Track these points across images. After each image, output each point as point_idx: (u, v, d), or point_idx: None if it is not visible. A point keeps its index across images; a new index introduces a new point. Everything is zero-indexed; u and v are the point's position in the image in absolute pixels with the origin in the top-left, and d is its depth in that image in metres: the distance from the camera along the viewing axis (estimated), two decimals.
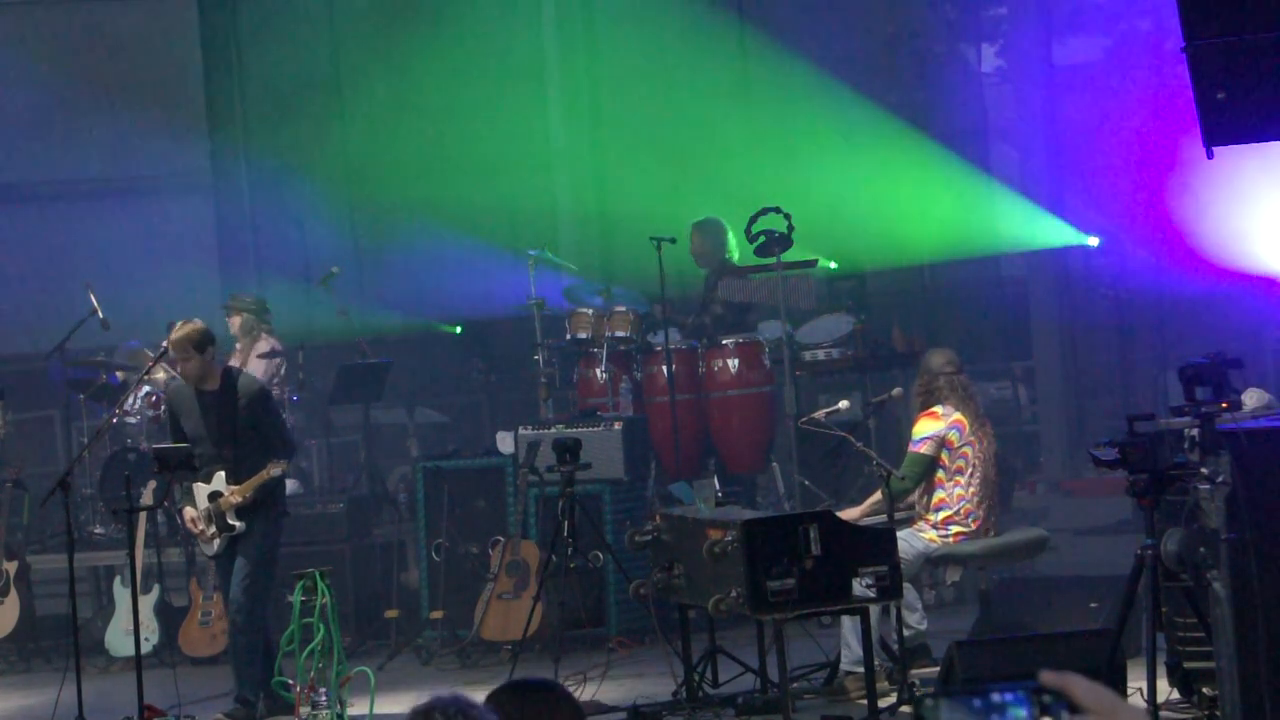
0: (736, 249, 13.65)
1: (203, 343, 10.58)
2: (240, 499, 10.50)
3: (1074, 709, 2.48)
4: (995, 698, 2.47)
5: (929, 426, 10.42)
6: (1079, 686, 2.48)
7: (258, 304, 13.96)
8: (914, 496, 10.46)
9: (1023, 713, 2.48)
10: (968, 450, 10.35)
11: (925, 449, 10.37)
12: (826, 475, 12.55)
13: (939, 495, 10.36)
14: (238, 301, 13.98)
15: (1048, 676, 2.48)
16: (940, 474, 10.37)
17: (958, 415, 10.40)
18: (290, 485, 12.14)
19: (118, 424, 13.42)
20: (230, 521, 10.55)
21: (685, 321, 13.74)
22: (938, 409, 10.44)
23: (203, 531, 10.66)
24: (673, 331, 13.30)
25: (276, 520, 10.75)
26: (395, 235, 16.76)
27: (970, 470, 10.35)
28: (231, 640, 10.80)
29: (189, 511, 10.69)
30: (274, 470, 10.50)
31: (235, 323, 13.91)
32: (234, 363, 13.75)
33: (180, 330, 10.61)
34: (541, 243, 13.73)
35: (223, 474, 10.58)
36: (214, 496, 10.59)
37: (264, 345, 13.76)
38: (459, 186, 16.52)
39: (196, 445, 10.59)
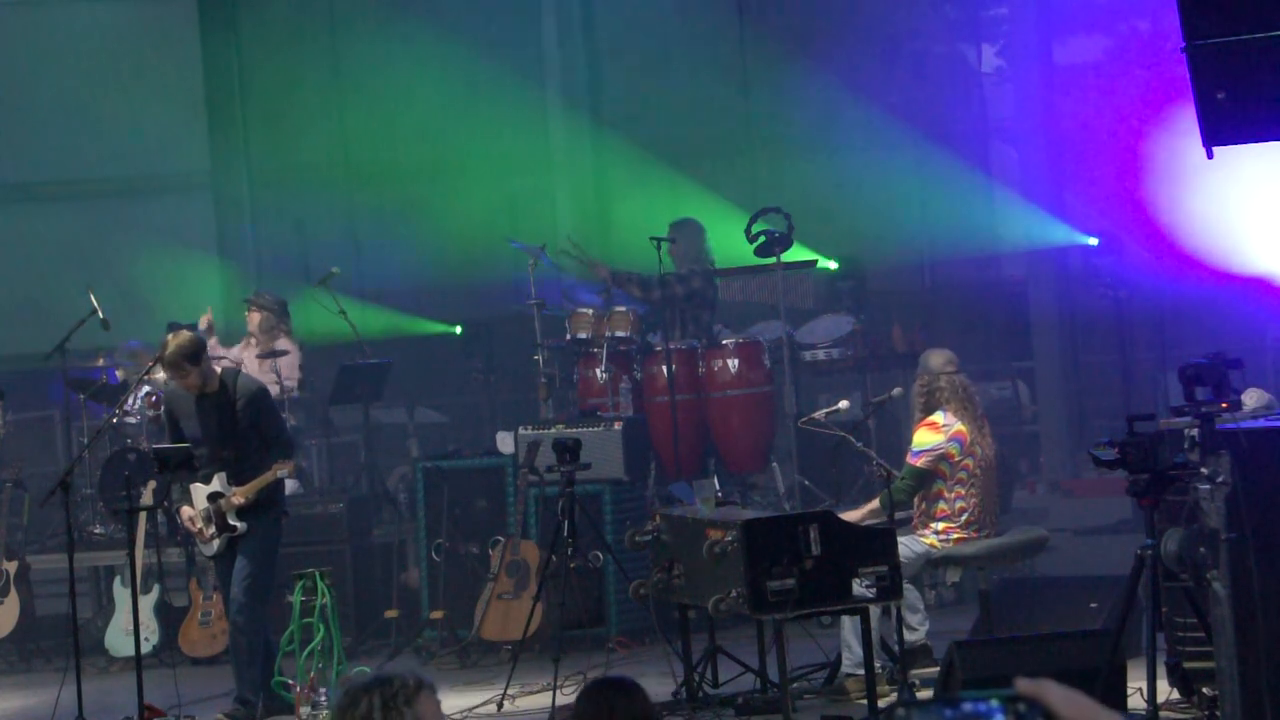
0: (715, 250, 13.63)
1: (196, 353, 10.50)
2: (243, 500, 10.48)
3: (1050, 717, 2.43)
4: (968, 706, 2.42)
5: (928, 439, 10.31)
6: (1055, 694, 2.44)
7: (279, 304, 13.95)
8: (914, 503, 10.41)
9: None
10: (969, 462, 10.27)
11: (922, 463, 10.27)
12: (826, 475, 12.55)
13: (940, 506, 10.29)
14: (260, 299, 13.95)
15: (1023, 685, 2.44)
16: (940, 485, 10.29)
17: (958, 426, 10.30)
18: (290, 485, 12.13)
19: (118, 424, 13.42)
20: (231, 522, 10.53)
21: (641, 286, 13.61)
22: (938, 418, 10.33)
23: (201, 531, 10.64)
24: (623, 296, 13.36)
25: (276, 520, 10.74)
26: (395, 235, 16.75)
27: (972, 481, 10.29)
28: (232, 640, 10.76)
29: (186, 510, 10.66)
30: (279, 471, 10.48)
31: (255, 319, 13.89)
32: (245, 355, 13.77)
33: (171, 348, 10.45)
34: (541, 242, 13.73)
35: (224, 475, 10.56)
36: (214, 497, 10.56)
37: (284, 344, 13.75)
38: (459, 186, 16.52)
39: (196, 447, 10.56)
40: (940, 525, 10.28)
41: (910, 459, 10.32)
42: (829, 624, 10.82)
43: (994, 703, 2.42)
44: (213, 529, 10.58)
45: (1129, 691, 8.56)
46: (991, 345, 16.40)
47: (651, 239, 12.94)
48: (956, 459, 10.25)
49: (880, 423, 13.16)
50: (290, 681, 10.31)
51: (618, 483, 12.37)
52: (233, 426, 10.54)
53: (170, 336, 10.68)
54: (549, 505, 11.74)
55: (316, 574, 10.19)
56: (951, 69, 16.96)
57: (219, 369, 10.78)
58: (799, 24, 16.69)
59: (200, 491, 10.61)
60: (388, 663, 12.06)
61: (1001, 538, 10.47)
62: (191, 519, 10.64)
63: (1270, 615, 7.39)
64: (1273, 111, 7.56)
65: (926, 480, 10.27)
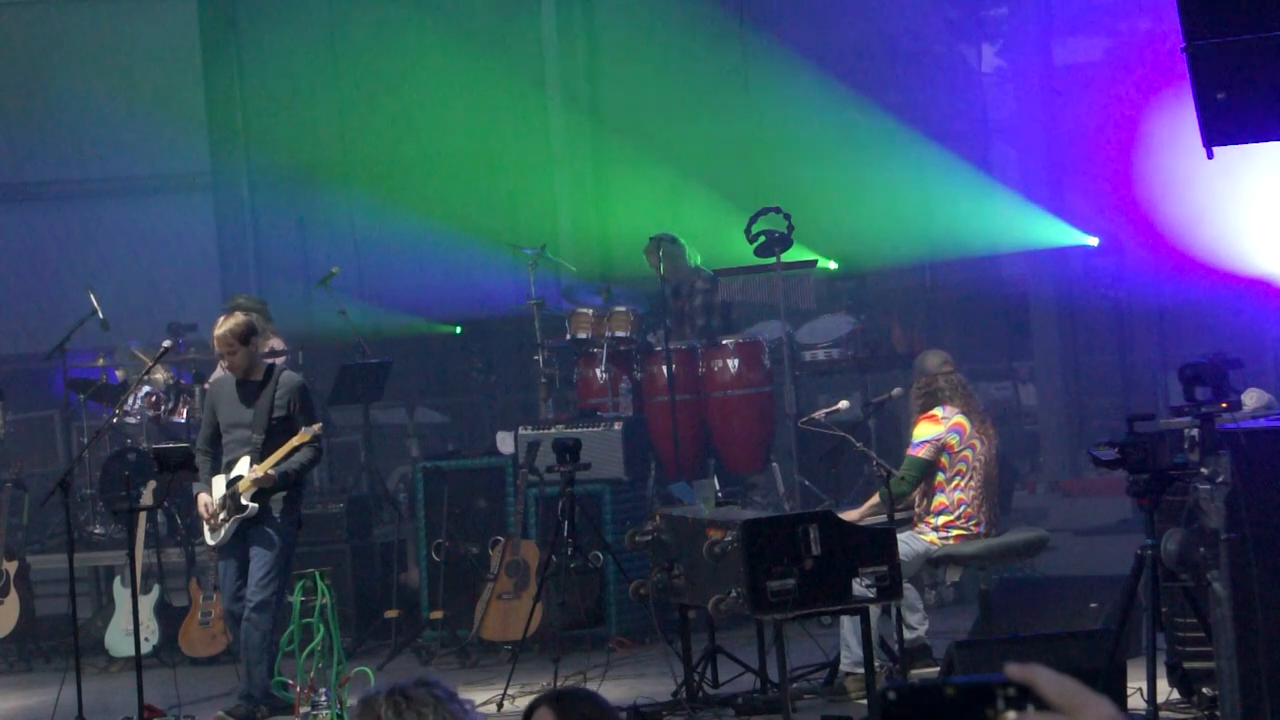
0: (698, 254, 13.65)
1: (247, 335, 10.68)
2: (262, 474, 10.46)
3: (1040, 703, 2.44)
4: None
5: (928, 430, 10.36)
6: (1045, 679, 2.45)
7: (262, 305, 13.94)
8: (913, 499, 10.44)
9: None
10: (968, 454, 10.31)
11: (924, 453, 10.32)
12: (826, 475, 12.55)
13: (939, 499, 10.33)
14: (250, 302, 13.88)
15: (1013, 669, 2.45)
16: (940, 478, 10.32)
17: (958, 418, 10.35)
18: None
19: (118, 424, 13.42)
20: (244, 502, 10.50)
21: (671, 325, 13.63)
22: (938, 411, 10.38)
23: (215, 515, 10.59)
24: (658, 335, 13.28)
25: (294, 524, 10.71)
26: (395, 235, 16.76)
27: (970, 473, 10.31)
28: (245, 636, 10.64)
29: (203, 498, 10.68)
30: (306, 434, 10.47)
31: None
32: None
33: (224, 325, 10.67)
34: (541, 242, 13.73)
35: (246, 460, 10.57)
36: (232, 483, 10.56)
37: (277, 344, 13.73)
38: (459, 186, 16.52)
39: (230, 431, 10.66)
40: (940, 520, 10.29)
41: (911, 451, 10.37)
42: (829, 624, 10.83)
43: (984, 688, 2.42)
44: (225, 513, 10.55)
45: (1129, 691, 8.56)
46: (991, 345, 16.40)
47: (652, 239, 12.95)
48: (956, 449, 10.28)
49: (880, 423, 13.16)
50: (290, 681, 10.31)
51: (618, 483, 12.37)
52: (268, 413, 10.61)
53: (223, 317, 10.83)
54: (549, 505, 11.74)
55: (316, 574, 10.18)
56: (951, 69, 16.96)
57: (264, 361, 10.90)
58: (799, 23, 16.69)
59: (219, 482, 10.63)
60: (387, 662, 12.06)
61: (1001, 538, 10.48)
62: (207, 505, 10.64)
63: (1270, 615, 7.39)
64: (1273, 111, 7.56)
65: (929, 472, 10.30)
